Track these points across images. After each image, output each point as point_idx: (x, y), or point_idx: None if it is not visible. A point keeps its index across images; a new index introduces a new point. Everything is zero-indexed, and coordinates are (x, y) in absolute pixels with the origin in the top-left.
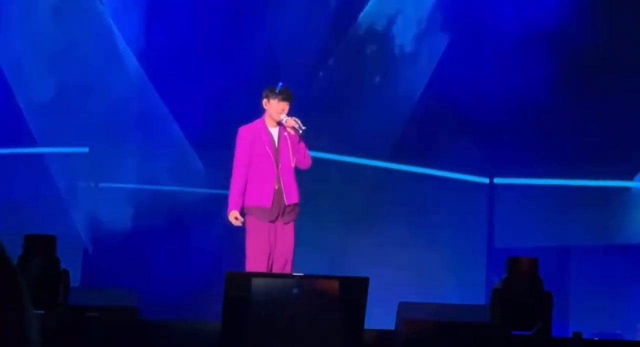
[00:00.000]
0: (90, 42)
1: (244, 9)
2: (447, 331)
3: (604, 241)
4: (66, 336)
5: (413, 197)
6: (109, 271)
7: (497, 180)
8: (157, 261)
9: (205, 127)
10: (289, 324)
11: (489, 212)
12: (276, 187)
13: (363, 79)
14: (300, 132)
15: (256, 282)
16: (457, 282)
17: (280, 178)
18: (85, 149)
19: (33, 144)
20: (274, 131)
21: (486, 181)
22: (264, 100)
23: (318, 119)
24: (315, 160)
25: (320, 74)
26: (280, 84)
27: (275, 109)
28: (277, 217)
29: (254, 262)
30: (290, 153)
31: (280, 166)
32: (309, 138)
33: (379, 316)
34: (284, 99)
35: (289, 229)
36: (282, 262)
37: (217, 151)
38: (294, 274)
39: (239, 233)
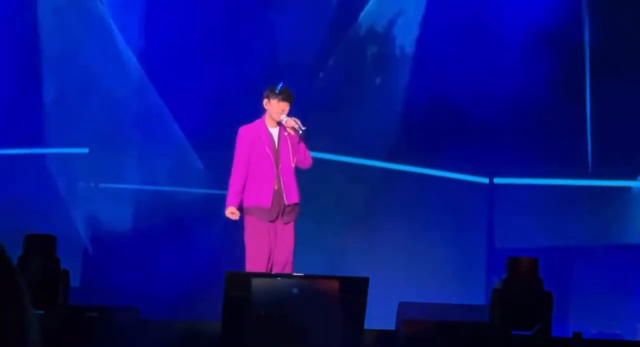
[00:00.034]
0: (90, 42)
1: (244, 9)
2: (447, 331)
3: (604, 241)
4: (66, 336)
5: (413, 197)
6: (109, 271)
7: (497, 180)
8: (157, 261)
9: (205, 127)
10: (289, 324)
11: (489, 212)
12: (276, 188)
13: (363, 79)
14: (300, 132)
15: (256, 282)
16: (457, 282)
17: (281, 178)
18: (86, 150)
19: (33, 144)
20: (274, 131)
21: (486, 181)
22: (265, 101)
23: (318, 119)
24: (315, 161)
25: (321, 74)
26: (281, 84)
27: (276, 109)
28: (277, 217)
29: (254, 262)
30: (291, 153)
31: (280, 166)
32: (309, 138)
33: (379, 316)
34: (284, 100)
35: (289, 229)
36: (282, 263)
37: (217, 151)
38: (294, 274)
39: (239, 233)
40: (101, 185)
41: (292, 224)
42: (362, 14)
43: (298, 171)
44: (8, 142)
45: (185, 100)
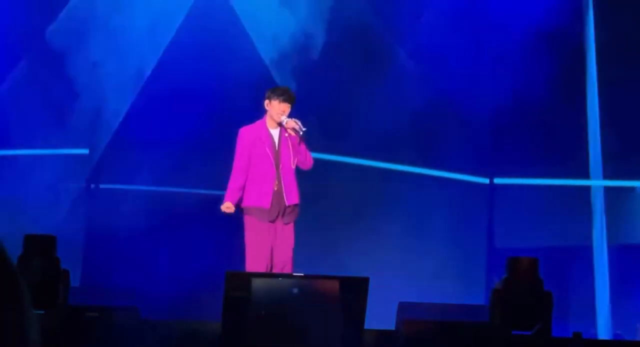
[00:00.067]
0: (91, 43)
1: (245, 8)
2: (447, 331)
3: (604, 241)
4: (66, 336)
5: (413, 198)
6: (109, 271)
7: (497, 180)
8: (157, 261)
9: (205, 127)
10: (289, 324)
11: (489, 212)
12: (275, 188)
13: (363, 80)
14: (301, 133)
15: (256, 282)
16: (457, 282)
17: (281, 179)
18: (86, 151)
19: (34, 145)
20: (275, 132)
21: (486, 181)
22: (266, 101)
23: (318, 119)
24: (315, 161)
25: (320, 74)
26: (282, 86)
27: (276, 110)
28: (276, 218)
29: (254, 262)
30: (291, 154)
31: (281, 167)
32: (309, 138)
33: (379, 316)
34: (285, 101)
35: (289, 230)
36: (282, 264)
37: (217, 151)
38: (294, 274)
39: (239, 233)
40: (101, 186)
41: (291, 224)
42: (362, 14)
43: (298, 172)
44: (8, 143)
45: (185, 101)
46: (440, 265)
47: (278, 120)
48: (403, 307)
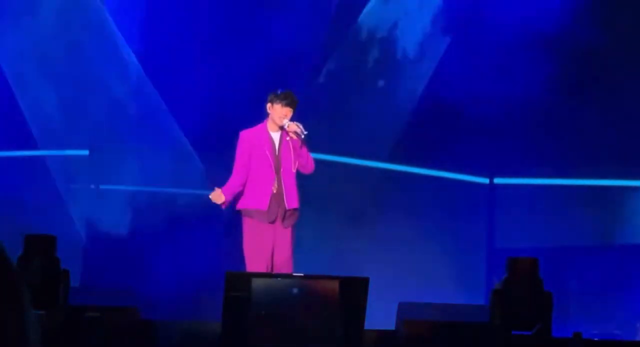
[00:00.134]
0: (90, 43)
1: (246, 9)
2: (447, 331)
3: (604, 241)
4: (66, 336)
5: (413, 198)
6: (109, 271)
7: (497, 180)
8: (157, 261)
9: (205, 127)
10: (289, 324)
11: (489, 212)
12: (275, 191)
13: (363, 80)
14: (303, 137)
15: (256, 282)
16: (457, 282)
17: (282, 182)
18: (86, 152)
19: (34, 146)
20: (276, 136)
21: (486, 181)
22: (268, 105)
23: (318, 120)
24: (316, 161)
25: (320, 75)
26: (285, 90)
27: (279, 114)
28: (276, 219)
29: (254, 263)
30: (292, 157)
31: (282, 170)
32: (310, 139)
33: (379, 316)
34: (288, 105)
35: (288, 233)
36: (282, 265)
37: (217, 152)
38: (294, 274)
39: (239, 233)
40: (102, 186)
41: (290, 229)
42: (362, 15)
43: (298, 174)
44: (8, 144)
45: (185, 101)
46: (440, 265)
47: (280, 124)
48: (403, 307)
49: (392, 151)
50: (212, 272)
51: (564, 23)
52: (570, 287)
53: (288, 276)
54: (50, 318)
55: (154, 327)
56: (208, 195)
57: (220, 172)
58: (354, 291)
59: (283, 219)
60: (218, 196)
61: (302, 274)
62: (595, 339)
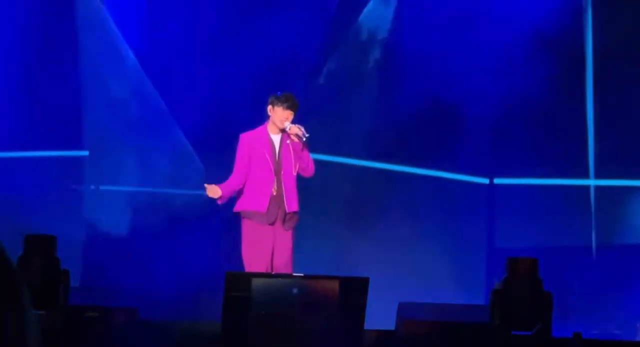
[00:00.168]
0: (90, 43)
1: (246, 10)
2: (447, 331)
3: (604, 241)
4: (66, 336)
5: (413, 198)
6: (109, 271)
7: (497, 180)
8: (157, 261)
9: (205, 128)
10: (289, 324)
11: (489, 212)
12: (275, 193)
13: (363, 80)
14: (304, 139)
15: (256, 282)
16: (457, 282)
17: (282, 184)
18: (86, 153)
19: (34, 147)
20: (276, 138)
21: (486, 181)
22: (269, 107)
23: (318, 120)
24: (315, 161)
25: (319, 75)
26: (286, 92)
27: (280, 117)
28: (275, 221)
29: (254, 264)
30: (293, 160)
31: (282, 173)
32: (311, 140)
33: (379, 316)
34: (289, 108)
35: (288, 237)
36: (281, 267)
37: (217, 152)
38: (294, 274)
39: (239, 233)
40: (102, 187)
41: (290, 232)
42: (361, 15)
43: (298, 175)
44: (9, 144)
45: (185, 102)
46: (440, 265)
47: (281, 126)
48: (403, 307)
49: (392, 151)
50: (212, 272)
51: (564, 23)
52: (570, 287)
53: (288, 276)
54: (50, 318)
55: (154, 327)
56: (208, 196)
57: (220, 173)
58: (354, 291)
59: (283, 221)
60: (214, 190)
61: (302, 274)
62: (595, 339)
